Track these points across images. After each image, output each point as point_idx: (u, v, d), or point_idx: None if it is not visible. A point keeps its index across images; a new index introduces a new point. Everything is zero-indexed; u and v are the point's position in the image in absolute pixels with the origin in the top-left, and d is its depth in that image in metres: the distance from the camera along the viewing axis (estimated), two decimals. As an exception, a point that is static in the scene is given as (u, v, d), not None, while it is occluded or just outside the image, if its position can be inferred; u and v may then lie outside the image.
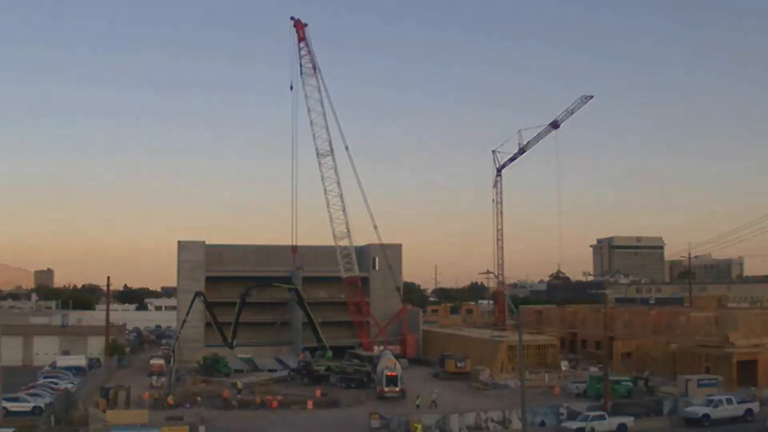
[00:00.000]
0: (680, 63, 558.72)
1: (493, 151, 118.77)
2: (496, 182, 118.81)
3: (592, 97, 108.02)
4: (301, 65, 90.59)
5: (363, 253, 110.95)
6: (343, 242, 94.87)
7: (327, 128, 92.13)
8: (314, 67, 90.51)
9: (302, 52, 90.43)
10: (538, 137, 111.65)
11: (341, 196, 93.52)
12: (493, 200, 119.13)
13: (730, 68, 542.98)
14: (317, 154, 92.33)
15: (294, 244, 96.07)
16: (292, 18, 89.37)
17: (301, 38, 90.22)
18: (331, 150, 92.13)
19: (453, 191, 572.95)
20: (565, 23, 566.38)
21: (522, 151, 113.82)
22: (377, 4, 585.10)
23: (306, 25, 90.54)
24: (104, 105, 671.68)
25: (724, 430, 52.74)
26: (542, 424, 53.61)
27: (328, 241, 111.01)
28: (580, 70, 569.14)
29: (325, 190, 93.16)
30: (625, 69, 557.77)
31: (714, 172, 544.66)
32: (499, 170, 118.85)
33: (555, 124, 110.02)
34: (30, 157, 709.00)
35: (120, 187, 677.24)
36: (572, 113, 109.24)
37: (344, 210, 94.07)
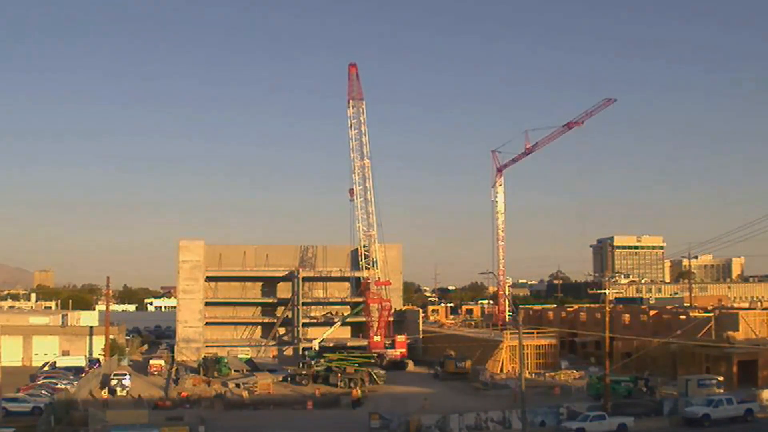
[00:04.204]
0: (680, 63, 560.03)
1: (493, 151, 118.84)
2: (495, 182, 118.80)
3: (615, 100, 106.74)
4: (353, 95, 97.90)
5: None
6: (372, 247, 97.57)
7: (367, 144, 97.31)
8: (361, 99, 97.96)
9: (353, 87, 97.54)
10: (549, 138, 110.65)
11: (373, 204, 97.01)
12: (493, 200, 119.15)
13: (731, 68, 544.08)
14: (353, 166, 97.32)
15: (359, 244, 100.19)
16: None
17: (353, 75, 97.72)
18: (369, 165, 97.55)
19: (453, 191, 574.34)
20: (564, 25, 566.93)
21: (529, 151, 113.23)
22: (375, 6, 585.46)
23: (356, 66, 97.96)
24: (104, 108, 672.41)
25: (724, 430, 52.67)
26: (542, 424, 53.54)
27: (328, 241, 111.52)
28: (580, 72, 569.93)
29: (358, 196, 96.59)
30: (626, 70, 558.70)
31: (714, 172, 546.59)
32: (499, 170, 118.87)
33: (570, 126, 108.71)
34: (31, 159, 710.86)
35: (120, 188, 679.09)
36: (591, 115, 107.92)
37: (376, 215, 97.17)
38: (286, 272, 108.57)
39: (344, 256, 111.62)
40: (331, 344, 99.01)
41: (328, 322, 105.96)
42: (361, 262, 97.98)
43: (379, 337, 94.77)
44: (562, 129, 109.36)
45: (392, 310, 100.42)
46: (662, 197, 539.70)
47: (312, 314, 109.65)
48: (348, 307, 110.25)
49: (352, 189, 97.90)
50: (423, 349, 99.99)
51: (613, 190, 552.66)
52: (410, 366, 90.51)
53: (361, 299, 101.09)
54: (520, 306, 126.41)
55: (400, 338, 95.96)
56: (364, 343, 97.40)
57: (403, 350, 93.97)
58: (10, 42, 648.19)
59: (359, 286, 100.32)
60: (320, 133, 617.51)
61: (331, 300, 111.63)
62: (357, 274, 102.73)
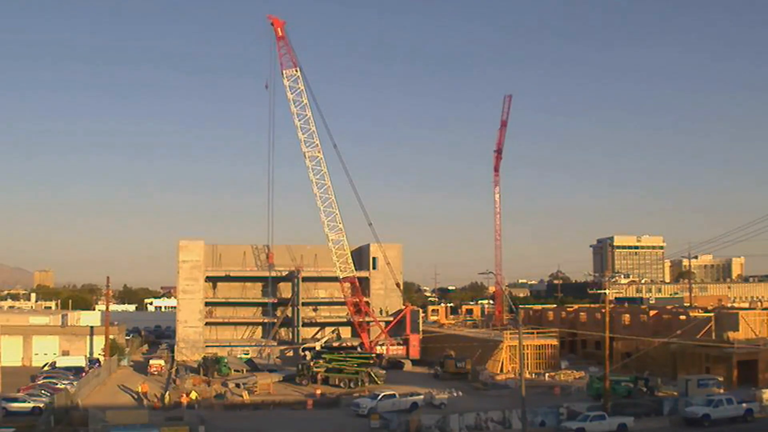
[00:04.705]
0: (678, 62, 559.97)
1: (495, 152, 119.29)
2: (495, 182, 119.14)
3: (511, 96, 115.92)
4: (281, 65, 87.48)
5: (362, 252, 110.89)
6: (338, 243, 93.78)
7: (314, 128, 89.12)
8: (296, 67, 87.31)
9: (282, 51, 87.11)
10: (500, 137, 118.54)
11: (334, 196, 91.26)
12: (494, 200, 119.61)
13: (730, 67, 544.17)
14: (304, 157, 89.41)
15: (270, 245, 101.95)
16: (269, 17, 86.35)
17: (280, 37, 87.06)
18: (320, 150, 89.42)
19: (453, 191, 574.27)
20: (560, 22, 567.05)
21: (498, 150, 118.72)
22: (366, 7, 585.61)
23: (285, 22, 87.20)
24: (103, 108, 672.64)
25: (724, 430, 52.69)
26: (542, 424, 53.57)
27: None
28: (581, 69, 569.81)
29: (315, 192, 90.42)
30: (624, 70, 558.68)
31: (714, 172, 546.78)
32: (496, 169, 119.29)
33: (503, 123, 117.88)
34: (31, 159, 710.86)
35: (120, 188, 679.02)
36: (508, 113, 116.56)
37: (339, 210, 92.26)
38: (286, 272, 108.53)
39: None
40: (336, 344, 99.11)
41: (324, 324, 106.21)
42: (334, 260, 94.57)
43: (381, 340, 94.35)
44: (501, 129, 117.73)
45: (365, 310, 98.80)
46: (662, 197, 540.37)
47: (310, 315, 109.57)
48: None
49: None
50: (423, 349, 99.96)
51: (613, 190, 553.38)
52: (408, 366, 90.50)
53: (359, 300, 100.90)
54: (520, 306, 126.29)
55: (414, 336, 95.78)
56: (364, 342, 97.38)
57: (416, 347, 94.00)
58: (8, 39, 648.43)
59: (353, 288, 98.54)
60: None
61: (332, 300, 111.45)
62: (358, 274, 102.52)
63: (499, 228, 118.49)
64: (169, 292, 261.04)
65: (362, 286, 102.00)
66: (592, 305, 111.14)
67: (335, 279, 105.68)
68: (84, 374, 74.82)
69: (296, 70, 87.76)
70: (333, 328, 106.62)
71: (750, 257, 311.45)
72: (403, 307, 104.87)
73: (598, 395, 61.01)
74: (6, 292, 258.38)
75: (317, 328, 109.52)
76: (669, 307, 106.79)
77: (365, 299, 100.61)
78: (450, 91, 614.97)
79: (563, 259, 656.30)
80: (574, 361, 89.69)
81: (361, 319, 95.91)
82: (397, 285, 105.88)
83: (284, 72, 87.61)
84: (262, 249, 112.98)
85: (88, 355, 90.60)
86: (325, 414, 60.77)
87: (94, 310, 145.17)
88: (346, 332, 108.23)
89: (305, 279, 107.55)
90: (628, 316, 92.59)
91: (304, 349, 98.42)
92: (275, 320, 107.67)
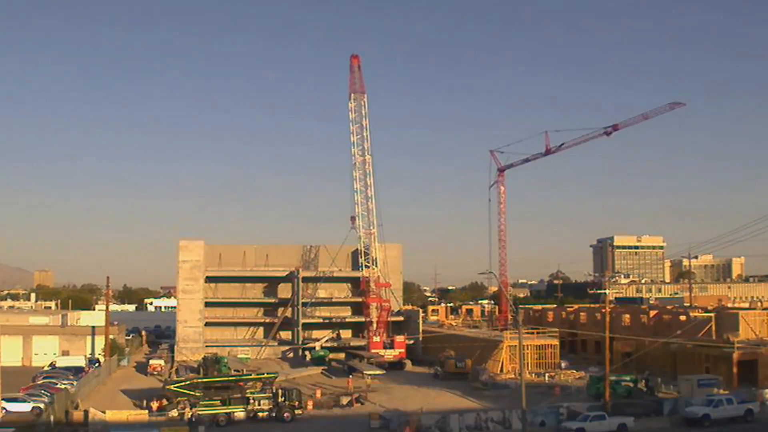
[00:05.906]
0: (677, 63, 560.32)
1: (492, 151, 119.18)
2: (496, 182, 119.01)
3: (683, 104, 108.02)
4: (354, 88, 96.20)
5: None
6: (373, 245, 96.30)
7: (368, 145, 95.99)
8: (363, 92, 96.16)
9: (354, 80, 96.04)
10: (582, 139, 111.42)
11: (374, 203, 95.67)
12: (489, 200, 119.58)
13: (729, 67, 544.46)
14: (354, 167, 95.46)
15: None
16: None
17: (354, 66, 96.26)
18: (366, 161, 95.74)
19: (453, 191, 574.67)
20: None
21: (549, 152, 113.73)
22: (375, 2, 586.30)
23: (359, 57, 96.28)
24: (103, 107, 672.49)
25: (724, 430, 52.71)
26: (542, 424, 53.55)
27: (328, 241, 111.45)
28: (580, 72, 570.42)
29: (357, 200, 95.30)
30: (623, 71, 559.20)
31: (714, 172, 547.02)
32: (501, 170, 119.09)
33: (615, 127, 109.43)
34: (31, 159, 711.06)
35: (120, 188, 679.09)
36: (647, 118, 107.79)
37: (376, 216, 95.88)
38: (287, 272, 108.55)
39: (344, 256, 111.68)
40: (334, 344, 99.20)
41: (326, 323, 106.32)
42: (361, 261, 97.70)
43: (378, 337, 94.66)
44: (599, 133, 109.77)
45: (390, 311, 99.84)
46: (662, 197, 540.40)
47: (316, 314, 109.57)
48: (348, 307, 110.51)
49: (354, 217, 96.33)
50: (423, 349, 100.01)
51: (613, 190, 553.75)
52: (408, 366, 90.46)
53: (361, 299, 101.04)
54: (520, 306, 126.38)
55: (399, 338, 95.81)
56: (364, 342, 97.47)
57: (402, 350, 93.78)
58: (10, 35, 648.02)
59: (358, 286, 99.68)
60: (321, 131, 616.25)
61: (332, 300, 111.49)
62: (357, 273, 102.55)
63: (503, 228, 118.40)
64: (169, 292, 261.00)
65: (361, 286, 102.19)
66: (592, 305, 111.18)
67: (335, 279, 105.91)
68: (84, 374, 74.80)
69: (363, 95, 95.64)
70: (333, 328, 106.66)
71: (750, 257, 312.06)
72: (402, 307, 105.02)
73: (598, 395, 61.04)
74: (6, 292, 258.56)
75: (319, 329, 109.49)
76: (669, 307, 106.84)
77: (388, 302, 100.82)
78: (451, 90, 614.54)
79: (563, 259, 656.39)
80: (574, 360, 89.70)
81: (375, 319, 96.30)
82: (386, 284, 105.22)
83: (353, 95, 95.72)
84: (267, 248, 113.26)
85: (88, 355, 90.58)
86: (325, 414, 60.72)
87: (94, 310, 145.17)
88: (346, 332, 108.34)
89: (305, 279, 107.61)
90: (628, 316, 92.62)
91: (304, 350, 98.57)
92: (275, 320, 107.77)
